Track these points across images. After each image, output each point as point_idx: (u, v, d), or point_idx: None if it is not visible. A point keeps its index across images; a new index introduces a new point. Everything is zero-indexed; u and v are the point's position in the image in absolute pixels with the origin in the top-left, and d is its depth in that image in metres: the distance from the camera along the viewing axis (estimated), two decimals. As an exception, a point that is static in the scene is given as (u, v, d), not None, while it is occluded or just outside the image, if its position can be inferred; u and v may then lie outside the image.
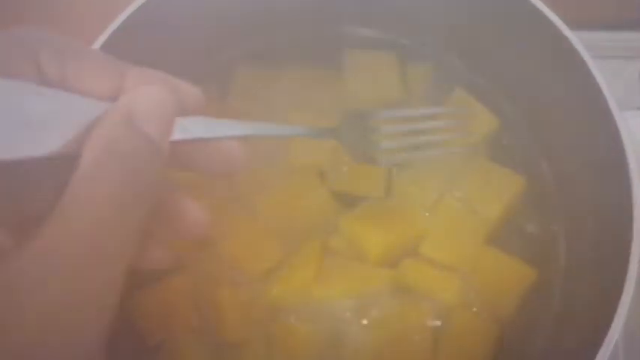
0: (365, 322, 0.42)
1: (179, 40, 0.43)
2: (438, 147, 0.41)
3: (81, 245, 0.23)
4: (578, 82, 0.39)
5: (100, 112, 0.25)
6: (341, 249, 0.44)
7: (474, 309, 0.43)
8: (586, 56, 0.39)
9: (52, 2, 0.57)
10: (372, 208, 0.45)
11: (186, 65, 0.44)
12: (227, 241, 0.43)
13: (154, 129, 0.25)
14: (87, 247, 0.23)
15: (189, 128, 0.28)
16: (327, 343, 0.42)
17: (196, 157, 0.30)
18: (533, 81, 0.45)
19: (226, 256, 0.43)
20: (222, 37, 0.47)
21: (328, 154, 0.46)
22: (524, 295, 0.43)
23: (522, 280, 0.43)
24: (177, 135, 0.27)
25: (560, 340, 0.41)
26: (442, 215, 0.44)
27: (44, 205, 0.24)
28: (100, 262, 0.23)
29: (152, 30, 0.41)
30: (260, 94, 0.47)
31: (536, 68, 0.44)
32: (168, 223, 0.30)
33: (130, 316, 0.43)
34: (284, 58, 0.48)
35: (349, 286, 0.43)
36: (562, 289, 0.44)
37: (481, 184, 0.45)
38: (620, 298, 0.34)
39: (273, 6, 0.46)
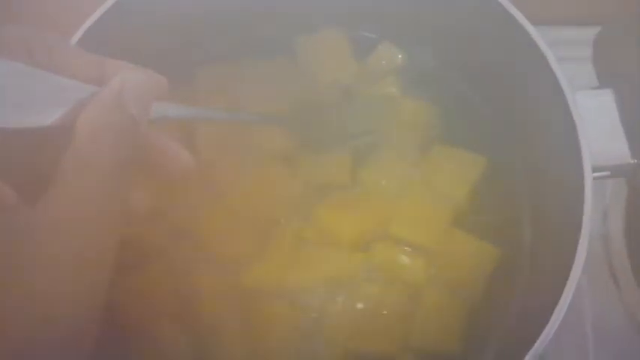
0: (340, 304, 0.44)
1: (136, 48, 0.44)
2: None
3: (80, 205, 0.27)
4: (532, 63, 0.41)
5: (87, 93, 0.29)
6: (313, 236, 0.46)
7: (443, 288, 0.44)
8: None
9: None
10: (341, 195, 0.46)
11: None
12: (202, 228, 0.45)
13: (137, 110, 0.29)
14: (85, 207, 0.27)
15: (163, 110, 0.32)
16: (303, 326, 0.43)
17: (143, 160, 0.32)
18: (495, 65, 0.46)
19: (202, 243, 0.45)
20: (180, 40, 0.48)
21: (295, 141, 0.47)
22: (490, 274, 0.44)
23: (487, 260, 0.44)
24: (158, 114, 0.31)
25: (525, 319, 0.43)
26: (409, 198, 0.46)
27: (44, 169, 0.28)
28: (97, 220, 0.28)
29: (110, 40, 0.42)
30: (221, 92, 0.48)
31: (497, 54, 0.45)
32: (152, 162, 0.33)
33: (109, 304, 0.44)
34: (242, 55, 0.50)
35: (323, 270, 0.44)
36: (528, 269, 0.45)
37: (446, 167, 0.46)
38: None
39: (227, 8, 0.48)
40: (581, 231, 0.36)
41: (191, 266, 0.45)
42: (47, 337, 0.26)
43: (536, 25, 0.41)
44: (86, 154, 0.27)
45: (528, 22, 0.40)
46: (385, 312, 0.43)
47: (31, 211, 0.26)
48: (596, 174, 0.37)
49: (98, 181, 0.27)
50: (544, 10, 0.45)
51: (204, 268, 0.44)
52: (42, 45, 0.29)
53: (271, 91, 0.48)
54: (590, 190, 0.36)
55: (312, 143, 0.41)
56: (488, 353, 0.44)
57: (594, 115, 0.39)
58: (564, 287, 0.35)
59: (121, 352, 0.43)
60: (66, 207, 0.27)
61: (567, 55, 0.43)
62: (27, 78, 0.28)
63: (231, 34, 0.50)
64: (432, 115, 0.48)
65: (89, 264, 0.28)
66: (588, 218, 0.36)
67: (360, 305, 0.43)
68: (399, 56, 0.50)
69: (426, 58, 0.50)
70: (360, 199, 0.46)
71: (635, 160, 0.38)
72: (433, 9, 0.47)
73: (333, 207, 0.46)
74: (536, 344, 0.34)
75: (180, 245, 0.45)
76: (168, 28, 0.46)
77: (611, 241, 0.53)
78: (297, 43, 0.50)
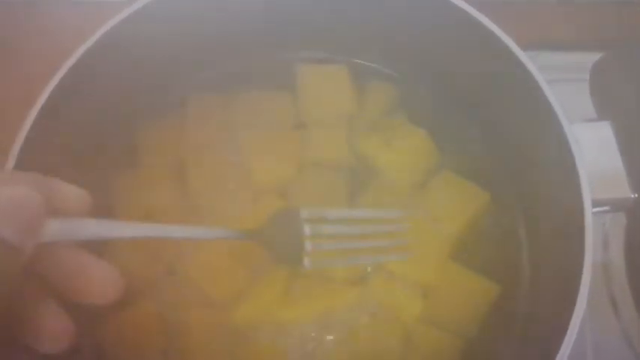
0: (332, 342, 0.43)
1: (134, 73, 0.44)
2: (371, 254, 0.41)
3: None
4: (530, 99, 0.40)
5: None
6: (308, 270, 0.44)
7: (439, 324, 0.43)
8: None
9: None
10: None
11: (142, 98, 0.47)
12: (192, 265, 0.44)
13: (10, 230, 0.25)
14: None
15: (76, 229, 0.28)
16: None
17: (63, 281, 0.29)
18: (491, 98, 0.45)
19: (192, 280, 0.44)
20: (176, 69, 0.48)
21: (290, 175, 0.46)
22: (487, 310, 0.43)
23: (485, 296, 0.44)
24: (57, 236, 0.27)
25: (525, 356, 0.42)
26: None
27: None
28: None
29: (106, 65, 0.42)
30: (215, 118, 0.48)
31: (496, 87, 0.44)
32: (68, 286, 0.29)
33: (100, 343, 0.43)
34: (238, 83, 0.49)
35: (316, 305, 0.43)
36: (526, 303, 0.44)
37: (445, 199, 0.45)
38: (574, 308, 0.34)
39: (225, 34, 0.47)
40: (583, 266, 0.35)
41: (181, 303, 0.43)
42: None
43: (530, 51, 0.40)
44: None
45: (522, 51, 0.40)
46: (379, 350, 0.42)
47: None
48: (595, 209, 0.37)
49: None
50: (539, 36, 0.45)
51: (193, 305, 0.43)
52: None
53: (272, 120, 0.47)
54: (590, 227, 0.36)
55: (278, 258, 0.40)
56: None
57: (593, 148, 0.38)
58: (567, 328, 0.34)
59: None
60: None
61: (565, 86, 0.42)
62: None
63: (223, 62, 0.50)
64: (432, 147, 0.48)
65: None
66: (590, 255, 0.35)
67: (354, 343, 0.42)
68: (395, 88, 0.50)
69: (425, 90, 0.50)
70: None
71: (636, 195, 0.38)
72: (433, 42, 0.46)
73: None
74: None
75: (169, 282, 0.44)
76: (162, 56, 0.46)
77: (612, 269, 0.53)
78: (297, 73, 0.49)
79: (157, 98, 0.48)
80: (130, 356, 0.43)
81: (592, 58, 0.46)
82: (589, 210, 0.36)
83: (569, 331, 0.34)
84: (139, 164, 0.47)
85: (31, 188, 0.26)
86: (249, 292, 0.43)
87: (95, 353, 0.43)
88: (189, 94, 0.49)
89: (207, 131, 0.47)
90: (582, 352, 0.50)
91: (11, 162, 0.37)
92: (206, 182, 0.46)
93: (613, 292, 0.52)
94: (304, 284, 0.44)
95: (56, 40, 0.47)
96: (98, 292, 0.30)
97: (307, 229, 0.39)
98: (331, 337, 0.43)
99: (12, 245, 0.25)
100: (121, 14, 0.41)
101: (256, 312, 0.43)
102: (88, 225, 0.29)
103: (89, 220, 0.29)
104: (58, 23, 0.56)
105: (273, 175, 0.46)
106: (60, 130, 0.41)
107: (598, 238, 0.54)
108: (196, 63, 0.48)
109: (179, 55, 0.46)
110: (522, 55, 0.39)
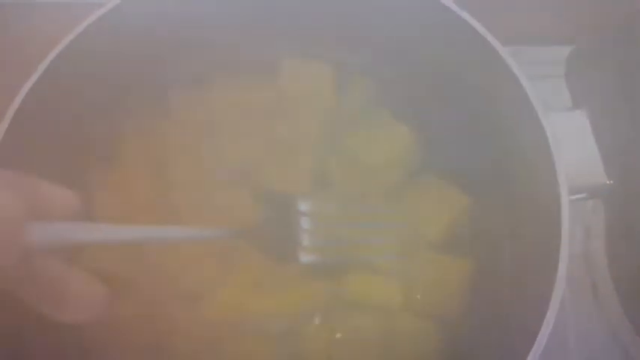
0: (312, 331, 0.43)
1: (110, 71, 0.44)
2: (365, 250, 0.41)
3: None
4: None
5: None
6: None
7: (419, 312, 0.44)
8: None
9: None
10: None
11: (119, 94, 0.46)
12: (167, 259, 0.44)
13: None
14: None
15: (59, 233, 0.26)
16: (274, 355, 0.43)
17: (40, 296, 0.27)
18: (471, 91, 0.46)
19: (167, 274, 0.44)
20: (157, 63, 0.48)
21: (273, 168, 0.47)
22: (464, 288, 0.44)
23: (460, 270, 0.44)
24: (41, 239, 0.26)
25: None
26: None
27: None
28: None
29: (83, 64, 0.41)
30: (196, 114, 0.48)
31: (471, 78, 0.45)
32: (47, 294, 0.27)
33: (82, 342, 0.43)
34: (220, 77, 0.49)
35: (289, 298, 0.43)
36: (508, 292, 0.44)
37: (423, 203, 0.46)
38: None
39: (205, 28, 0.47)
40: (559, 253, 0.36)
41: (160, 299, 0.43)
42: None
43: (509, 46, 0.40)
44: None
45: (499, 43, 0.40)
46: (361, 340, 0.42)
47: None
48: (572, 196, 0.37)
49: None
50: (517, 30, 0.45)
51: (171, 301, 0.44)
52: None
53: (244, 112, 0.47)
54: (567, 213, 0.36)
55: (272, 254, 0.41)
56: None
57: (569, 136, 0.38)
58: (546, 313, 0.35)
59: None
60: None
61: (542, 75, 0.42)
62: None
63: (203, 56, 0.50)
64: (414, 145, 0.48)
65: None
66: (566, 242, 0.35)
67: (335, 334, 0.43)
68: (377, 84, 0.50)
69: (408, 87, 0.50)
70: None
71: (611, 181, 0.38)
72: (415, 38, 0.46)
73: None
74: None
75: (147, 279, 0.44)
76: (144, 49, 0.45)
77: (593, 259, 0.53)
78: (280, 67, 0.49)
79: (136, 96, 0.48)
80: (114, 354, 0.43)
81: (568, 48, 0.47)
82: (565, 197, 0.36)
83: (545, 320, 0.34)
84: (118, 162, 0.47)
85: (14, 192, 0.24)
86: (223, 282, 0.43)
87: (78, 352, 0.43)
88: (170, 90, 0.49)
89: (188, 127, 0.47)
90: (564, 341, 0.51)
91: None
92: (187, 179, 0.46)
93: (595, 281, 0.53)
94: (278, 274, 0.44)
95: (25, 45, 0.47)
96: (74, 307, 0.28)
97: (304, 223, 0.39)
98: (312, 328, 0.43)
99: None
100: (96, 13, 0.41)
101: (231, 302, 0.43)
102: (75, 229, 0.27)
103: (76, 224, 0.27)
104: (29, 29, 0.55)
105: (254, 168, 0.46)
106: (38, 131, 0.41)
107: (580, 228, 0.54)
108: (176, 58, 0.48)
109: (158, 51, 0.46)
110: (500, 47, 0.40)
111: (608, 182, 0.38)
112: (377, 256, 0.43)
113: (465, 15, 0.40)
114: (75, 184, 0.32)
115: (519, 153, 0.42)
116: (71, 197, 0.28)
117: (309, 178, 0.46)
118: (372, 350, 0.43)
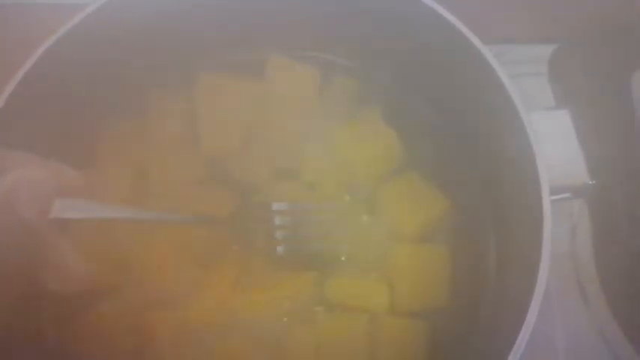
0: (298, 332, 0.43)
1: (94, 75, 0.44)
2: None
3: None
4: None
5: None
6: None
7: (406, 310, 0.44)
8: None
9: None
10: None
11: (102, 99, 0.46)
12: (147, 264, 0.44)
13: (31, 211, 0.27)
14: None
15: (72, 208, 0.30)
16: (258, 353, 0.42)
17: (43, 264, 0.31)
18: (455, 91, 0.46)
19: (148, 279, 0.44)
20: (137, 66, 0.47)
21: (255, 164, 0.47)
22: (448, 279, 0.44)
23: (442, 260, 0.44)
24: (59, 213, 0.29)
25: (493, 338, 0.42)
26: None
27: None
28: None
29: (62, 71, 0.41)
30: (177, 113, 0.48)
31: (458, 79, 0.45)
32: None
33: (66, 346, 0.43)
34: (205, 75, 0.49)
35: (270, 293, 0.44)
36: (492, 291, 0.44)
37: (402, 202, 0.46)
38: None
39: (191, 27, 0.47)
40: (541, 252, 0.36)
41: (142, 303, 0.43)
42: None
43: (492, 45, 0.40)
44: None
45: (481, 42, 0.40)
46: (346, 340, 0.42)
47: None
48: (556, 196, 0.37)
49: None
50: (500, 29, 0.45)
51: (154, 305, 0.43)
52: None
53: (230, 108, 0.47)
54: (549, 212, 0.36)
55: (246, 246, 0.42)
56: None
57: (551, 136, 0.38)
58: (529, 306, 0.35)
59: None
60: None
61: (525, 74, 0.42)
62: None
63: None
64: (399, 144, 0.48)
65: None
66: (548, 241, 0.35)
67: (318, 335, 0.43)
68: (363, 84, 0.50)
69: (392, 86, 0.50)
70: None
71: (594, 181, 0.38)
72: (401, 40, 0.46)
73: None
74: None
75: (129, 282, 0.44)
76: (121, 55, 0.45)
77: (579, 258, 0.53)
78: (266, 65, 0.49)
79: (117, 98, 0.47)
80: (97, 357, 0.43)
81: (551, 48, 0.47)
82: (547, 196, 0.36)
83: (527, 319, 0.35)
84: (97, 165, 0.47)
85: (46, 171, 0.29)
86: (203, 283, 0.43)
87: (61, 355, 0.42)
88: (151, 91, 0.48)
89: (169, 127, 0.47)
90: (552, 340, 0.51)
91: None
92: (167, 179, 0.46)
93: (581, 281, 0.53)
94: (256, 273, 0.44)
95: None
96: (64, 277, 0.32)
97: (278, 220, 0.41)
98: (297, 329, 0.43)
99: (32, 226, 0.27)
100: (80, 14, 0.41)
101: (211, 302, 0.43)
102: (89, 205, 0.31)
103: (90, 201, 0.31)
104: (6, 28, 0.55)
105: (236, 164, 0.47)
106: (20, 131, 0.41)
107: (566, 228, 0.54)
108: (158, 59, 0.48)
109: (141, 52, 0.46)
110: (482, 47, 0.40)
111: (590, 182, 0.38)
112: (351, 249, 0.44)
113: (449, 15, 0.41)
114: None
115: (502, 152, 0.42)
116: (81, 177, 0.31)
117: (286, 172, 0.47)
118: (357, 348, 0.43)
